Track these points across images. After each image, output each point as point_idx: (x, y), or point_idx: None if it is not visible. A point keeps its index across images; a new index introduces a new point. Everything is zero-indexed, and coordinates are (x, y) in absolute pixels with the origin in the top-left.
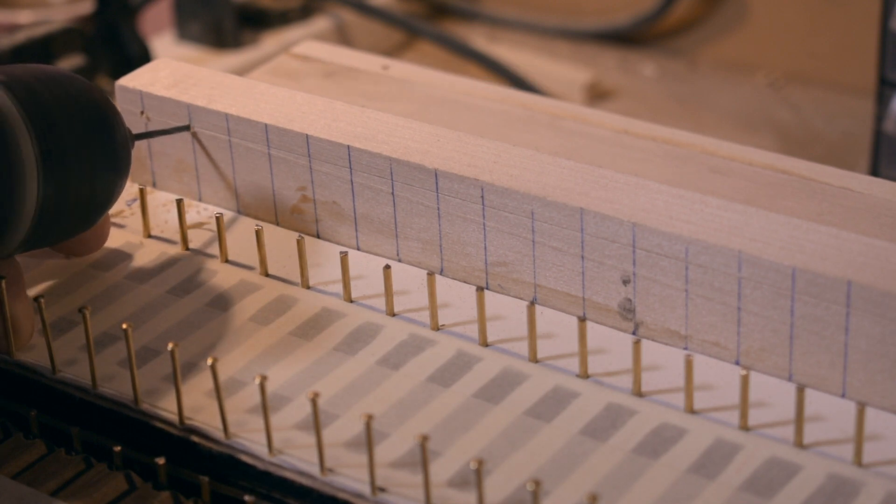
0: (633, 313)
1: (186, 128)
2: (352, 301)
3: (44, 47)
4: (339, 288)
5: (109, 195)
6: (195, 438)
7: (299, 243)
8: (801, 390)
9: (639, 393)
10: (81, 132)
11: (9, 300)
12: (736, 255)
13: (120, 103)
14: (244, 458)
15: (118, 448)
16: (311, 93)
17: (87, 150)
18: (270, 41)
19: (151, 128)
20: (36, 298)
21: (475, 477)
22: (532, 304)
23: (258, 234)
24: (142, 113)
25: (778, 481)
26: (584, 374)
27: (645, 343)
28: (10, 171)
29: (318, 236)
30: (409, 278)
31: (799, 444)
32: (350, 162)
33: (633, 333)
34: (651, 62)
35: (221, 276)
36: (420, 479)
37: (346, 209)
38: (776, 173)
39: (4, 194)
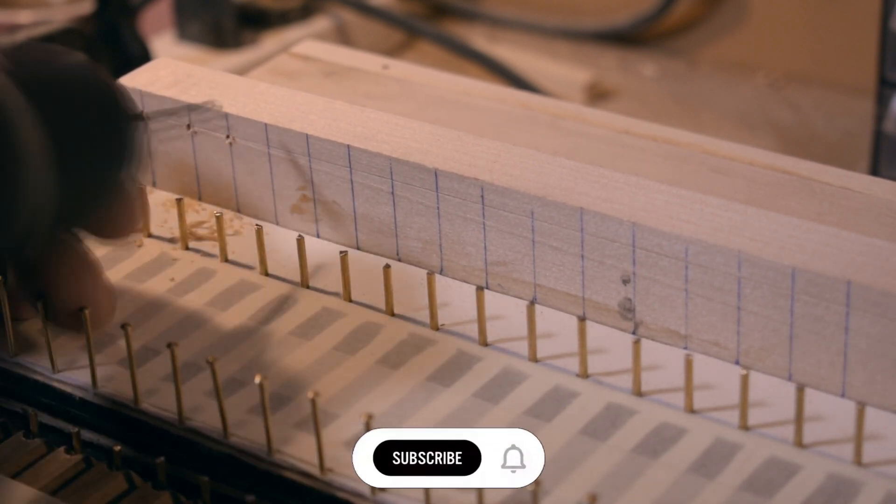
0: (633, 313)
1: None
2: (351, 300)
3: None
4: (338, 287)
5: (117, 179)
6: (195, 438)
7: (299, 243)
8: (801, 390)
9: (639, 393)
10: (86, 117)
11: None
12: (736, 254)
13: None
14: (244, 457)
15: (118, 448)
16: (311, 92)
17: (92, 135)
18: (270, 41)
19: (154, 132)
20: (37, 298)
21: None
22: (532, 303)
23: (258, 233)
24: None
25: (778, 481)
26: (584, 374)
27: (645, 343)
28: (12, 159)
29: (317, 236)
30: (409, 278)
31: (799, 443)
32: (350, 161)
33: (633, 333)
34: (651, 62)
35: (221, 276)
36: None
37: (345, 209)
38: (776, 173)
39: (6, 184)
